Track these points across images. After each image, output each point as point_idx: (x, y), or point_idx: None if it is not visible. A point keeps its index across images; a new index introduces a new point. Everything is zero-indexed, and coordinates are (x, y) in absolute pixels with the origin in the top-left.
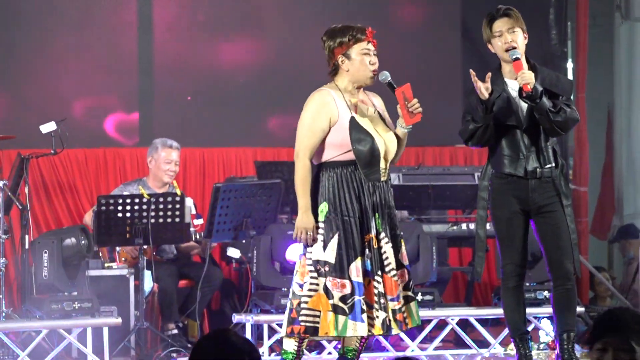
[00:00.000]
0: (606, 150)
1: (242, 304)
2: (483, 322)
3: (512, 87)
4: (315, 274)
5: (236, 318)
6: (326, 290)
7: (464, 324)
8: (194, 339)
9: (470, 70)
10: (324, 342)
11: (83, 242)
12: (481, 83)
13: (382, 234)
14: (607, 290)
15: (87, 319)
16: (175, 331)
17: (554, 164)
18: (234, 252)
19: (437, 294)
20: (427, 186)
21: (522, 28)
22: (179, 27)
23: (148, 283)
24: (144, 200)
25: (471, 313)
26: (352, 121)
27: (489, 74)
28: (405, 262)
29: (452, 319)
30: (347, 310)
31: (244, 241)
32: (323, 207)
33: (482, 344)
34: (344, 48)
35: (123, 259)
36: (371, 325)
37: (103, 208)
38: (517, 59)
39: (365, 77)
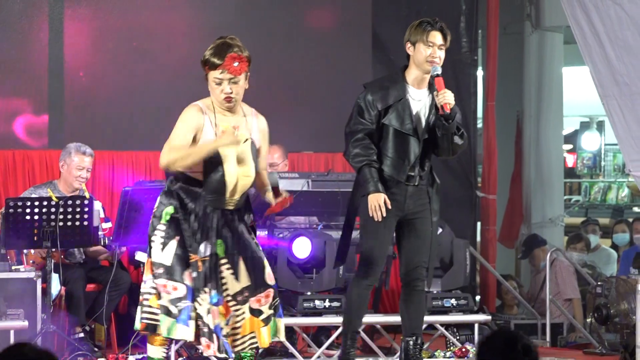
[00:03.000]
0: (515, 158)
1: None
2: (390, 329)
3: (412, 94)
4: (150, 275)
5: None
6: (158, 291)
7: (370, 331)
8: (100, 343)
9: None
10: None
11: None
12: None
13: (224, 260)
14: (514, 299)
15: None
16: (82, 335)
17: (429, 176)
18: (142, 257)
19: (345, 300)
20: (337, 192)
21: (447, 47)
22: (89, 29)
23: (55, 286)
24: (52, 203)
25: (378, 320)
26: None
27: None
28: (271, 282)
29: None
30: (176, 313)
31: None
32: (169, 210)
33: (389, 351)
34: (204, 69)
35: (31, 261)
36: (198, 335)
37: (11, 210)
38: (438, 75)
39: (220, 104)
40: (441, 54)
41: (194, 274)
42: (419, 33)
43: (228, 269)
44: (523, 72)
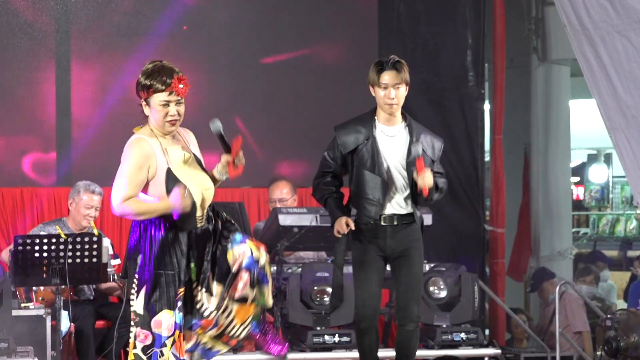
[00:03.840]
0: (523, 191)
1: None
2: None
3: (385, 132)
4: (132, 323)
5: None
6: (135, 339)
7: None
8: None
9: (347, 224)
10: None
11: None
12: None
13: (195, 283)
14: (524, 332)
15: None
16: None
17: (412, 211)
18: None
19: (354, 335)
20: None
21: (406, 82)
22: (96, 65)
23: (65, 323)
24: (61, 240)
25: (388, 355)
26: (169, 174)
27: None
28: (236, 267)
29: None
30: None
31: None
32: (138, 259)
33: None
34: (144, 94)
35: (40, 298)
36: None
37: (20, 248)
38: (419, 156)
39: (163, 128)
40: (398, 93)
41: (181, 306)
42: (373, 76)
43: (200, 289)
44: (530, 105)
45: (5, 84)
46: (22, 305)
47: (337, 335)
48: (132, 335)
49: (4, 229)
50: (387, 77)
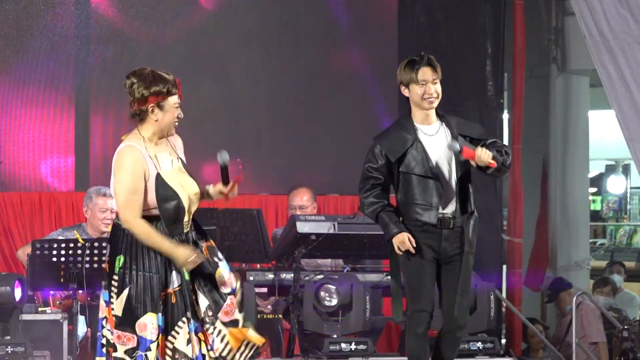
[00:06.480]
0: (541, 201)
1: None
2: None
3: (425, 131)
4: (108, 325)
5: None
6: (113, 343)
7: None
8: None
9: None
10: None
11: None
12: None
13: (191, 285)
14: (540, 342)
15: None
16: None
17: (467, 212)
18: None
19: (371, 343)
20: (362, 235)
21: (440, 78)
22: (115, 70)
23: (82, 328)
24: (79, 245)
25: None
26: (158, 179)
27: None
28: (227, 289)
29: None
30: None
31: None
32: (119, 260)
33: None
34: (158, 98)
35: (58, 302)
36: None
37: (37, 252)
38: (460, 150)
39: (169, 130)
40: (436, 88)
41: (164, 309)
42: (408, 74)
43: (200, 294)
44: (549, 115)
45: (24, 88)
46: (39, 309)
47: (353, 343)
48: (108, 337)
49: (22, 233)
50: (424, 73)
